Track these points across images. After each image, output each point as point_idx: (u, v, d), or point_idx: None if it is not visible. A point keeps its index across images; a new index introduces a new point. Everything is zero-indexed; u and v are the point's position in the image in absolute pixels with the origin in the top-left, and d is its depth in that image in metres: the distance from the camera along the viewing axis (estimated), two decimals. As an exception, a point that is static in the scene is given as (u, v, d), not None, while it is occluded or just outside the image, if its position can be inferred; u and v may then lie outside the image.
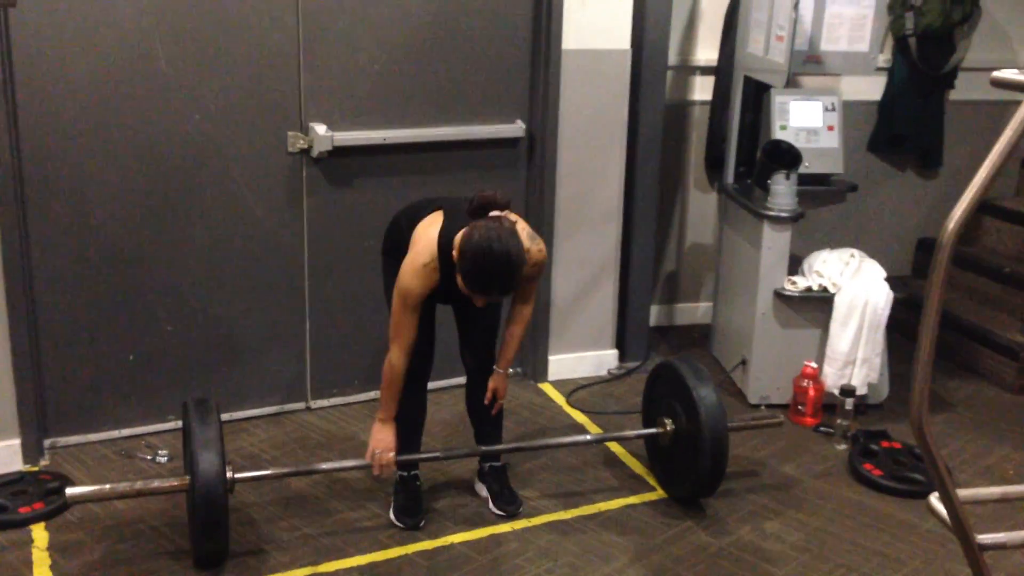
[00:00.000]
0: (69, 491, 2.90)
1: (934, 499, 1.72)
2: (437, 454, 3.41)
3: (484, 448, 3.34)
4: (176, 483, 2.96)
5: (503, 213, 2.87)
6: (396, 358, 2.99)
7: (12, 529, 3.12)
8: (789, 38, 3.82)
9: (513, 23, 3.93)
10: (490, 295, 2.85)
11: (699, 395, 3.25)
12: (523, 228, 2.92)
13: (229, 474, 2.91)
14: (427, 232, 2.93)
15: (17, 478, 3.36)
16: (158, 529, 3.16)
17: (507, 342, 3.21)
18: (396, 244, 3.10)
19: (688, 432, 3.29)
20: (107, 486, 2.96)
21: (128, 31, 3.35)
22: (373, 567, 3.02)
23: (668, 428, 3.38)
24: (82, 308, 3.53)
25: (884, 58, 4.81)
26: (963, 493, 1.67)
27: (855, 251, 4.18)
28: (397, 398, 3.07)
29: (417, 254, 2.91)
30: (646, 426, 3.56)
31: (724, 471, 3.29)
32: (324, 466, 3.28)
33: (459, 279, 2.81)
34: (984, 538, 1.62)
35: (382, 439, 3.10)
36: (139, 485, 2.99)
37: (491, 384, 3.25)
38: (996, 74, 1.58)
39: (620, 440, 3.73)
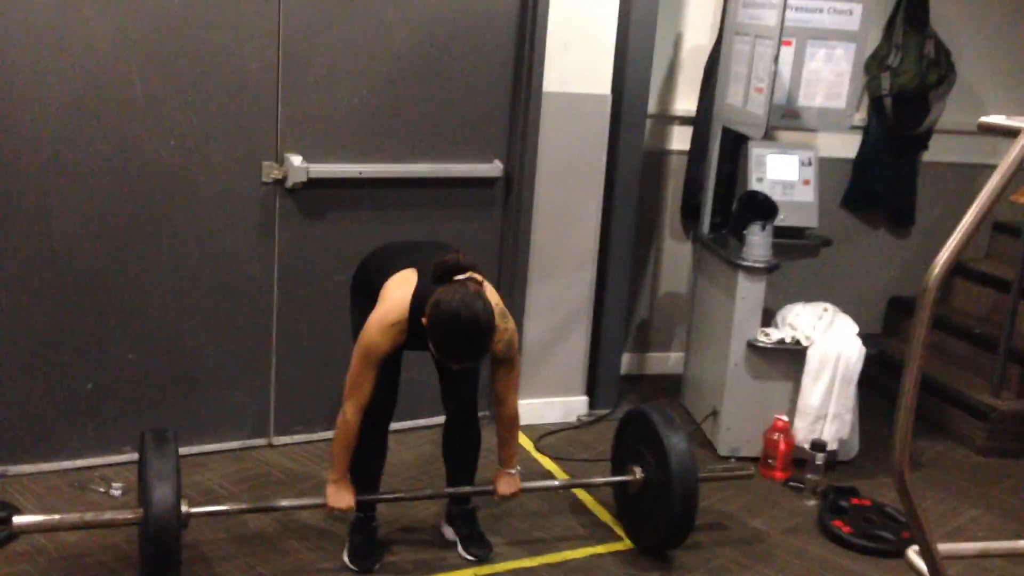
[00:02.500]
0: (17, 520, 2.78)
1: (912, 553, 1.68)
2: (400, 495, 3.32)
3: (449, 490, 3.26)
4: (128, 515, 2.85)
5: (468, 275, 2.80)
6: (351, 414, 2.89)
7: (-46, 559, 3.00)
8: (768, 90, 3.84)
9: (495, 63, 3.92)
10: (463, 361, 2.80)
11: (670, 443, 3.19)
12: (493, 301, 2.82)
13: (184, 508, 2.82)
14: (398, 291, 2.86)
15: (-37, 506, 3.24)
16: (107, 564, 3.04)
17: (504, 443, 3.13)
18: (363, 285, 3.06)
19: (658, 480, 3.23)
20: (56, 516, 2.86)
21: (104, 54, 3.29)
22: (329, 610, 2.93)
23: (638, 476, 3.32)
24: (40, 333, 3.43)
25: (859, 116, 4.85)
26: (943, 548, 1.63)
27: (828, 305, 4.18)
28: (350, 455, 2.96)
29: (386, 312, 2.84)
30: (615, 474, 3.50)
31: (694, 521, 3.23)
32: (282, 503, 3.18)
33: (431, 346, 2.76)
34: (963, 593, 1.58)
35: (341, 499, 2.98)
36: (89, 516, 2.89)
37: (502, 489, 3.15)
38: (984, 119, 1.58)
39: (588, 487, 3.66)
